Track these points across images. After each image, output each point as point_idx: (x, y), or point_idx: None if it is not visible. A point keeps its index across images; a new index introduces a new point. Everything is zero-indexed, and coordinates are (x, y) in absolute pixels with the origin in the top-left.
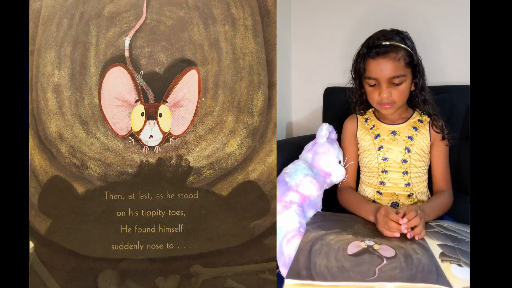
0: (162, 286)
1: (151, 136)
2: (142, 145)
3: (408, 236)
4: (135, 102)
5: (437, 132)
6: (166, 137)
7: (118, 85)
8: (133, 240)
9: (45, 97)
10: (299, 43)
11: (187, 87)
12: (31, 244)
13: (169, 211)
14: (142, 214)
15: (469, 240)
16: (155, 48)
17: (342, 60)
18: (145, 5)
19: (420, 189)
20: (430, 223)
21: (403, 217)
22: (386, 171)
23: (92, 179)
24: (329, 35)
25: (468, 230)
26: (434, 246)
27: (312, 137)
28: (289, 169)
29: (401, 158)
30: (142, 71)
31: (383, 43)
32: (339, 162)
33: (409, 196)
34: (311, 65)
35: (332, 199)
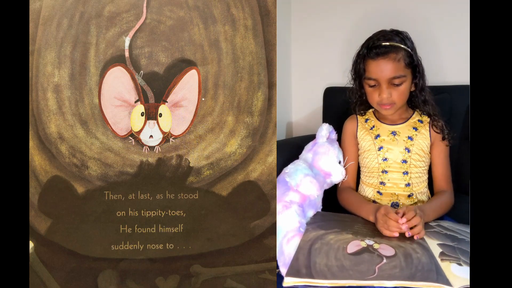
0: (162, 286)
1: (151, 136)
2: (142, 145)
3: (407, 234)
4: (135, 102)
5: (437, 132)
6: (166, 137)
7: (118, 85)
8: (133, 240)
9: (45, 97)
10: (299, 43)
11: (187, 87)
12: (31, 244)
13: (169, 211)
14: (142, 214)
15: (469, 239)
16: (155, 48)
17: (342, 60)
18: (145, 5)
19: (420, 189)
20: (430, 223)
21: (402, 216)
22: (386, 171)
23: (92, 179)
24: (329, 35)
25: (468, 230)
26: (434, 245)
27: (312, 137)
28: (289, 169)
29: (401, 158)
30: (142, 71)
31: (383, 43)
32: (339, 162)
33: (409, 196)
34: (311, 65)
35: (332, 199)
